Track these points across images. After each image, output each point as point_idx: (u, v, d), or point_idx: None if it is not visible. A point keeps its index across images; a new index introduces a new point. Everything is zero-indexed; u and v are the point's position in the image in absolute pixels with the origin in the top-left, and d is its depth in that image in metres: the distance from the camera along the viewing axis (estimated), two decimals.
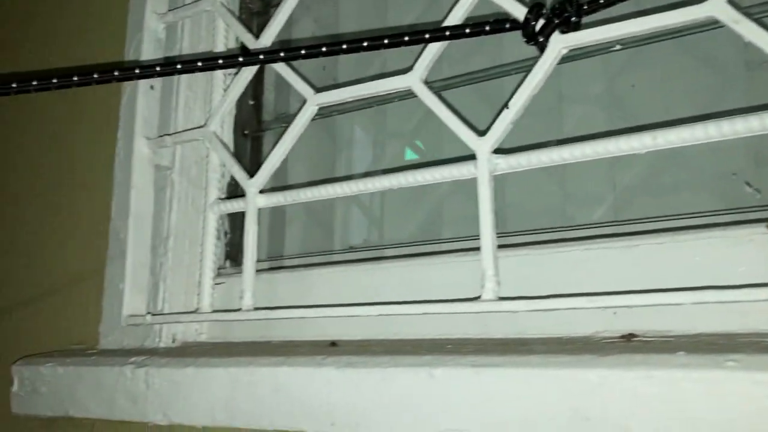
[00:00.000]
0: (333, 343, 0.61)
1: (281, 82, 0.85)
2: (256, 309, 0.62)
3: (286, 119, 0.84)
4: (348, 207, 0.81)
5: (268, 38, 0.67)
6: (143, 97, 0.75)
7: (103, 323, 0.77)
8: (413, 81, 0.58)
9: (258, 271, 0.69)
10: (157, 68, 0.63)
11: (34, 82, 0.64)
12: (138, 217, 0.75)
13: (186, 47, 0.79)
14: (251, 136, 0.82)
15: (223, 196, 0.74)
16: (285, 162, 0.68)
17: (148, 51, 0.77)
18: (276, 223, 0.85)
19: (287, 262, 0.78)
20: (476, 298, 0.52)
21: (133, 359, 0.66)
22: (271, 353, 0.58)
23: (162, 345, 0.72)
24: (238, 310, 0.63)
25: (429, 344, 0.57)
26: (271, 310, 0.61)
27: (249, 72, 0.68)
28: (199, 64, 0.58)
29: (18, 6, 0.99)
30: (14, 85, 0.65)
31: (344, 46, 0.54)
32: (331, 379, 0.53)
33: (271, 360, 0.57)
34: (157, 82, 0.76)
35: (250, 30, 0.69)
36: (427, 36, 0.56)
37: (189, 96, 0.77)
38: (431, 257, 0.62)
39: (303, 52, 0.54)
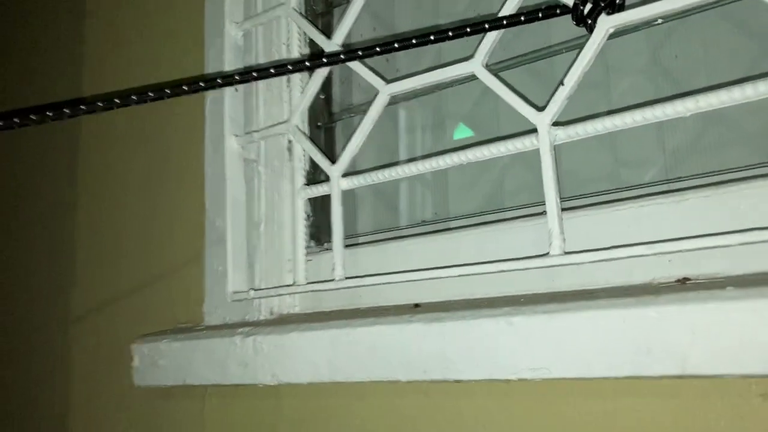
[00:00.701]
0: (416, 305, 0.69)
1: (346, 76, 0.93)
2: (347, 278, 0.70)
3: (352, 110, 0.93)
4: (413, 186, 0.89)
5: (339, 37, 0.75)
6: (230, 99, 0.84)
7: (207, 302, 0.86)
8: (475, 66, 0.65)
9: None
10: (236, 77, 0.71)
11: (134, 97, 0.73)
12: (234, 206, 0.84)
13: (261, 51, 0.88)
14: (324, 127, 0.91)
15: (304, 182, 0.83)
16: None
17: (229, 59, 0.86)
18: (348, 205, 0.93)
19: (362, 239, 0.87)
20: (545, 255, 0.59)
21: (240, 330, 0.75)
22: (365, 315, 0.67)
23: (262, 317, 0.81)
24: (331, 280, 0.71)
25: (504, 300, 0.65)
26: (361, 278, 0.69)
27: (324, 70, 0.76)
28: (290, 67, 0.66)
29: (104, 25, 1.10)
30: (117, 100, 0.73)
31: (413, 41, 0.62)
32: (421, 333, 0.61)
33: (365, 321, 0.65)
34: (240, 85, 0.85)
35: (322, 32, 0.77)
36: (486, 26, 0.63)
37: (268, 96, 0.86)
38: (498, 224, 0.69)
39: (378, 49, 0.62)
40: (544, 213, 0.61)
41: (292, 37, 0.83)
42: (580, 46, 0.60)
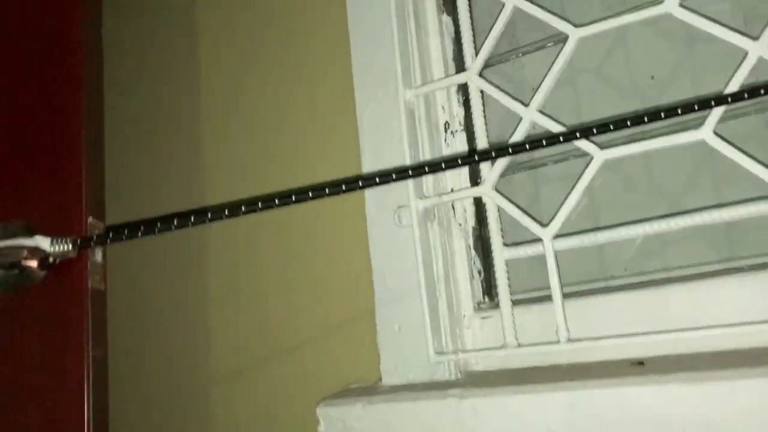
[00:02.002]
0: (640, 363, 0.72)
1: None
2: (570, 341, 0.73)
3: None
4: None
5: (536, 102, 0.78)
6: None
7: (385, 361, 0.87)
8: (706, 134, 0.69)
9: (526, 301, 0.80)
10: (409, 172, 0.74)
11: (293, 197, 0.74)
12: (418, 264, 0.85)
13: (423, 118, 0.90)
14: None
15: (470, 241, 0.85)
16: None
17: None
18: None
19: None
20: None
21: (451, 391, 0.76)
22: (606, 375, 0.69)
23: (452, 377, 0.82)
24: (556, 342, 0.73)
25: (735, 356, 0.68)
26: (591, 340, 0.71)
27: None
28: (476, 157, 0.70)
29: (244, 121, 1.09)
30: (276, 201, 0.74)
31: (612, 127, 0.65)
32: (680, 394, 0.64)
33: (610, 381, 0.67)
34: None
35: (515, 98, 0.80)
36: (712, 103, 0.67)
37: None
38: (719, 278, 0.72)
39: (578, 134, 0.65)
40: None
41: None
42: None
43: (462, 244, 0.89)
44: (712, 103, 0.67)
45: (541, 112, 0.77)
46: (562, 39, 0.88)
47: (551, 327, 0.81)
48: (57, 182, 0.71)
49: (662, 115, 0.66)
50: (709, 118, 0.69)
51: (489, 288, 0.89)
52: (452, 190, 0.87)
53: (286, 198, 0.72)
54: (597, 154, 0.73)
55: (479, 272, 0.89)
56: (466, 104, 0.94)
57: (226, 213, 0.71)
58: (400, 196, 0.87)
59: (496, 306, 0.88)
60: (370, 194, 0.91)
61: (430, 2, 0.96)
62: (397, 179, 0.73)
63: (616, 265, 0.88)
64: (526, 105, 0.78)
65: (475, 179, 0.92)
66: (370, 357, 0.89)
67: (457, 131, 0.93)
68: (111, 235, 0.60)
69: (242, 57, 1.09)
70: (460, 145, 0.92)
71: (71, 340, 0.66)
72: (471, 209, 0.91)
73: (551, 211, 0.89)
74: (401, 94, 0.86)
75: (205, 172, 1.09)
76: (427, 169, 0.73)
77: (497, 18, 0.82)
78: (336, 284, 0.94)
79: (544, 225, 0.75)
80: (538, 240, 0.76)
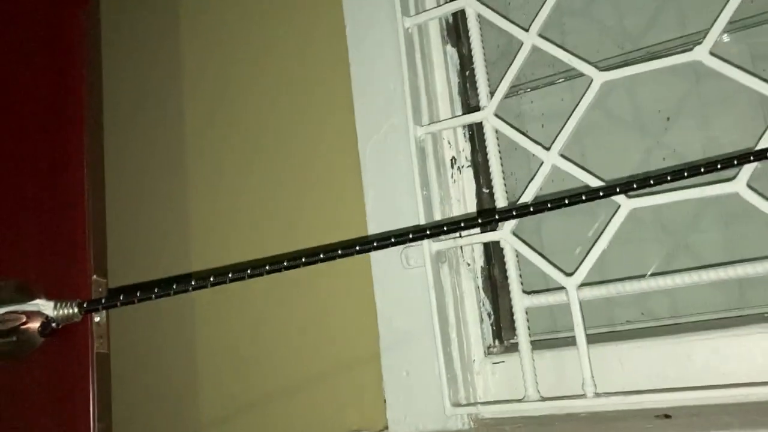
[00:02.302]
0: (667, 416, 0.71)
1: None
2: (597, 395, 0.71)
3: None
4: None
5: (559, 144, 0.76)
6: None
7: (392, 409, 0.83)
8: (740, 188, 0.68)
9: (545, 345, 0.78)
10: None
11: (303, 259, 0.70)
12: (418, 308, 0.82)
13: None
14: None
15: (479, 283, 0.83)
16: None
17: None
18: None
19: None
20: None
21: None
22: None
23: (465, 427, 0.79)
24: (582, 396, 0.71)
25: (756, 407, 0.67)
26: (620, 396, 0.69)
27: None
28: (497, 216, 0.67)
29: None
30: (285, 263, 0.70)
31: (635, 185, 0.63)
32: None
33: None
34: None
35: (534, 140, 0.78)
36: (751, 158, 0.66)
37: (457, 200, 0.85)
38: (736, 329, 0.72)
39: (602, 193, 0.63)
40: None
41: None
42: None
43: (471, 286, 0.86)
44: (751, 158, 0.66)
45: (563, 156, 0.75)
46: (573, 75, 0.86)
47: (567, 374, 0.79)
48: (56, 235, 0.65)
49: (701, 169, 0.65)
50: (740, 173, 0.68)
51: (499, 331, 0.87)
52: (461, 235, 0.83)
53: (294, 260, 0.68)
54: (624, 202, 0.71)
55: (489, 315, 0.86)
56: (472, 139, 0.92)
57: (230, 276, 0.67)
58: None
59: (508, 350, 0.86)
60: (373, 230, 0.88)
61: (435, 33, 0.93)
62: (414, 239, 0.69)
63: (629, 308, 0.86)
64: (547, 149, 0.76)
65: None
66: (375, 403, 0.86)
67: (463, 167, 0.90)
68: (122, 297, 0.54)
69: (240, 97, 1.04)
70: (467, 181, 0.90)
71: (77, 413, 0.60)
72: (479, 248, 0.88)
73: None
74: (411, 132, 0.83)
75: (193, 222, 1.04)
76: (446, 228, 0.69)
77: (516, 56, 0.79)
78: (337, 327, 0.90)
79: (568, 274, 0.73)
80: (561, 288, 0.74)
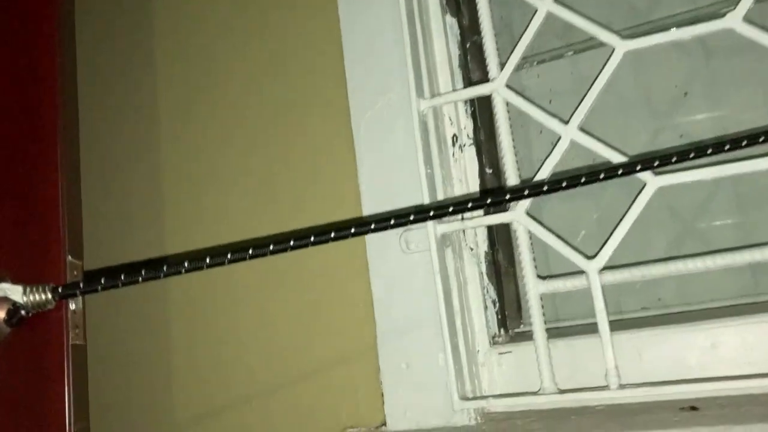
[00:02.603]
0: (693, 408, 0.66)
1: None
2: (621, 387, 0.66)
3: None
4: None
5: (577, 119, 0.71)
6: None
7: (389, 404, 0.77)
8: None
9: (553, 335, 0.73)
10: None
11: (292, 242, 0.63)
12: (419, 295, 0.76)
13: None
14: None
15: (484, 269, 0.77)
16: None
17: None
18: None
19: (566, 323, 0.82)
20: None
21: None
22: (657, 425, 0.62)
23: (472, 422, 0.74)
24: (605, 388, 0.66)
25: None
26: (646, 387, 0.65)
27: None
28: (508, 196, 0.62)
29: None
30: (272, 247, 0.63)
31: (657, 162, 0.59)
32: None
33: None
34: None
35: (553, 115, 0.72)
36: None
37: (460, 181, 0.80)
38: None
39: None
40: None
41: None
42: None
43: (474, 271, 0.80)
44: None
45: (582, 130, 0.70)
46: (582, 48, 0.81)
47: (581, 364, 0.74)
48: (24, 210, 0.56)
49: (726, 147, 0.60)
50: None
51: (504, 320, 0.81)
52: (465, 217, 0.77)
53: (282, 243, 0.61)
54: (651, 180, 0.66)
55: (493, 302, 0.81)
56: (474, 116, 0.86)
57: (209, 260, 0.59)
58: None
59: (514, 340, 0.80)
60: (368, 211, 0.81)
61: (433, 1, 0.87)
62: (416, 221, 0.63)
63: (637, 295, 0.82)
64: (565, 122, 0.70)
65: None
66: (371, 397, 0.79)
67: (465, 145, 0.84)
68: (104, 280, 0.46)
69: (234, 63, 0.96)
70: (469, 160, 0.84)
71: (51, 413, 0.51)
72: (483, 231, 0.83)
73: None
74: (414, 105, 0.76)
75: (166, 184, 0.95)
76: (451, 209, 0.63)
77: (529, 24, 0.73)
78: (329, 316, 0.83)
79: (589, 257, 0.68)
80: (579, 272, 0.69)
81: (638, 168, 0.62)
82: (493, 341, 0.80)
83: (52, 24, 0.74)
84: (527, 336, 0.78)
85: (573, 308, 0.87)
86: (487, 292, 0.81)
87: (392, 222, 0.62)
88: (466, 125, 0.85)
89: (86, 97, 1.01)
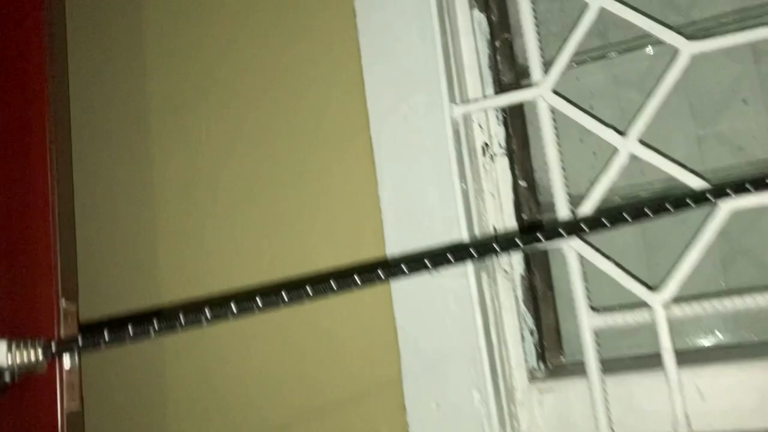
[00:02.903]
0: None
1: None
2: None
3: None
4: None
5: (635, 134, 0.62)
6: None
7: None
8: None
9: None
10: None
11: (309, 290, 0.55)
12: (451, 325, 0.67)
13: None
14: (528, 222, 0.76)
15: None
16: None
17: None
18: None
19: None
20: None
21: None
22: None
23: None
24: None
25: None
26: None
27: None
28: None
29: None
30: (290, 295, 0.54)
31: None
32: None
33: None
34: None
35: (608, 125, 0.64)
36: None
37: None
38: None
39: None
40: None
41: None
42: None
43: (510, 297, 0.72)
44: None
45: (641, 142, 0.62)
46: (628, 48, 0.73)
47: (636, 405, 0.66)
48: (11, 246, 0.45)
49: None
50: None
51: (543, 352, 0.73)
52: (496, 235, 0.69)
53: (297, 290, 0.52)
54: (725, 205, 0.58)
55: (531, 332, 0.73)
56: (505, 123, 0.77)
57: (235, 308, 0.50)
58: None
59: (554, 375, 0.72)
60: (391, 232, 0.72)
61: None
62: (457, 261, 0.54)
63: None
64: (621, 133, 0.62)
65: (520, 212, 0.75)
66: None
67: (496, 155, 0.75)
68: (107, 335, 0.37)
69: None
70: (501, 172, 0.75)
71: None
72: (518, 253, 0.74)
73: None
74: (447, 112, 0.68)
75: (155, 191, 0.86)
76: (498, 248, 0.55)
77: (579, 21, 0.65)
78: (346, 350, 0.74)
79: (653, 288, 0.59)
80: (643, 304, 0.61)
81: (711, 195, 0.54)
82: (532, 376, 0.71)
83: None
84: (569, 371, 0.70)
85: (623, 341, 0.79)
86: (525, 320, 0.73)
87: (427, 263, 0.54)
88: (497, 132, 0.76)
89: (79, 127, 0.91)
